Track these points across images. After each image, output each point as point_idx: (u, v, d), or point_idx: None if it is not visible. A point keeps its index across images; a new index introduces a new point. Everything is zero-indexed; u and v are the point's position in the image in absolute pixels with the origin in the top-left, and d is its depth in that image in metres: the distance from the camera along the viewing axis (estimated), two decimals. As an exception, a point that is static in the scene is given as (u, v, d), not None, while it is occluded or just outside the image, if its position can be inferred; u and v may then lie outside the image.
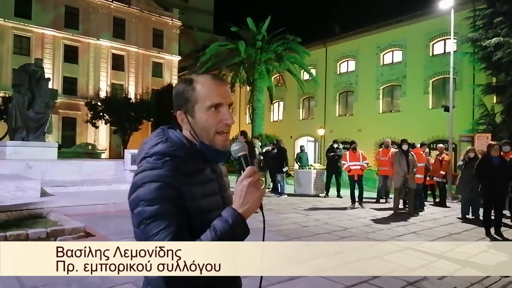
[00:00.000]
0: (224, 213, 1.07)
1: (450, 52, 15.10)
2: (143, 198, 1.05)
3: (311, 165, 14.54)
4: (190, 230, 1.06)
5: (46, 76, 12.28)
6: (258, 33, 21.99)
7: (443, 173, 10.85)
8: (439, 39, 22.11)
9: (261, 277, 1.25)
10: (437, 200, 11.18)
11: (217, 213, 1.09)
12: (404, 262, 4.88)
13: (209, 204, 1.14)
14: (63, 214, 6.23)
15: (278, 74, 24.89)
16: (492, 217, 6.83)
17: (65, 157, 15.15)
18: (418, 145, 10.69)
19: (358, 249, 5.44)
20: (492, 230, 6.69)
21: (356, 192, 9.94)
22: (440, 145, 12.36)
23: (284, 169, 11.82)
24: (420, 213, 9.19)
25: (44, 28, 32.38)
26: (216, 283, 1.14)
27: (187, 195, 1.09)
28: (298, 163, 14.20)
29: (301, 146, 15.35)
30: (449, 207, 10.46)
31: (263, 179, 11.09)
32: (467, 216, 8.72)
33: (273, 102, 25.64)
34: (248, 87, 24.59)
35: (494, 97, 16.98)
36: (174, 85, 1.34)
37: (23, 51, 31.80)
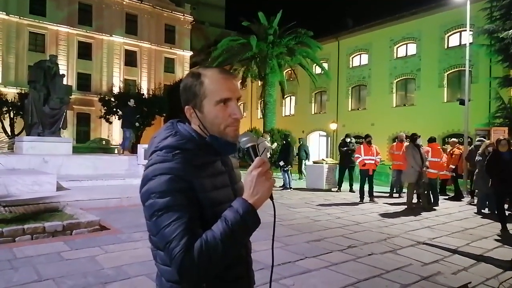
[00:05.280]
0: (235, 204, 1.07)
1: (466, 44, 14.80)
2: (154, 190, 1.06)
3: (323, 159, 14.43)
4: (202, 222, 1.07)
5: (61, 72, 12.43)
6: (269, 27, 21.88)
7: (453, 166, 10.80)
8: (454, 31, 21.67)
9: (272, 269, 1.25)
10: (452, 195, 11.04)
11: (229, 205, 1.09)
12: (418, 256, 4.84)
13: (221, 196, 1.14)
14: (78, 208, 6.34)
15: (290, 69, 24.77)
16: (509, 212, 6.71)
17: (79, 152, 15.38)
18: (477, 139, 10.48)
19: (371, 244, 5.42)
20: (509, 225, 6.58)
21: (366, 187, 9.85)
22: (453, 139, 12.20)
23: (280, 163, 11.84)
24: (434, 207, 9.09)
25: (58, 25, 32.83)
26: (229, 275, 1.15)
27: (198, 187, 1.09)
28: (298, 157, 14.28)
29: (299, 139, 15.35)
30: (462, 200, 10.33)
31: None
32: (482, 211, 8.58)
33: (285, 96, 25.55)
34: (259, 82, 24.54)
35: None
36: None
37: (38, 48, 32.34)
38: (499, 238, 6.14)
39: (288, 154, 11.99)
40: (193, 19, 41.10)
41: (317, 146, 30.75)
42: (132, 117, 12.93)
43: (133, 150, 12.44)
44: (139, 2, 36.74)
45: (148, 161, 1.15)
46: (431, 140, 9.96)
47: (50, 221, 5.28)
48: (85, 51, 34.57)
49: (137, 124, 12.30)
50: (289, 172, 12.01)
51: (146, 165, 1.14)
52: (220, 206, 1.10)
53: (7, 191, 7.15)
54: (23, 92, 24.71)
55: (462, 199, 10.60)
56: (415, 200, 9.20)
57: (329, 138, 29.03)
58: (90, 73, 34.87)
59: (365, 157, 9.84)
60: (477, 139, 10.64)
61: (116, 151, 11.33)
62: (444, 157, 10.66)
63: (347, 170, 11.86)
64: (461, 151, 11.52)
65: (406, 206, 8.87)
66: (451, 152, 11.03)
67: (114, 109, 29.20)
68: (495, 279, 4.12)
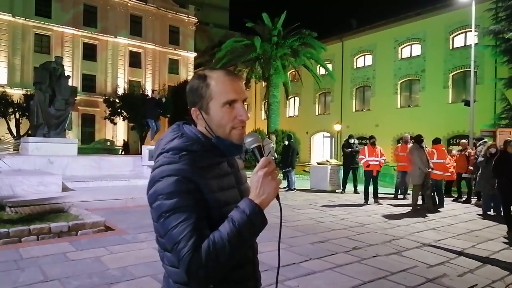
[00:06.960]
0: (241, 204, 1.07)
1: (471, 45, 14.76)
2: (162, 192, 1.06)
3: (327, 160, 14.39)
4: (209, 223, 1.07)
5: (66, 73, 12.50)
6: (273, 28, 21.89)
7: (472, 168, 10.31)
8: (459, 32, 21.58)
9: (278, 270, 1.25)
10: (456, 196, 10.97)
11: (235, 205, 1.09)
12: (423, 258, 4.81)
13: (227, 197, 1.15)
14: (83, 209, 6.37)
15: (294, 70, 24.76)
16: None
17: (84, 153, 15.46)
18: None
19: (375, 245, 5.40)
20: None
21: (371, 188, 9.83)
22: (464, 140, 12.03)
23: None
24: (440, 209, 9.04)
25: (63, 26, 33.03)
26: (236, 276, 1.16)
27: (205, 188, 1.09)
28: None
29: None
30: (472, 204, 10.23)
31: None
32: (488, 212, 8.52)
33: (289, 97, 25.54)
34: (263, 83, 24.54)
35: (517, 91, 16.48)
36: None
37: (43, 49, 32.54)
38: (505, 240, 6.09)
39: (291, 155, 11.97)
40: (197, 20, 41.20)
41: (321, 147, 30.71)
42: (155, 110, 12.95)
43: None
44: (144, 3, 36.89)
45: (155, 163, 1.16)
46: (436, 142, 9.88)
47: (55, 222, 5.31)
48: (90, 52, 34.76)
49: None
50: (293, 173, 11.99)
51: (153, 167, 1.15)
52: (227, 207, 1.10)
53: (13, 191, 7.20)
54: (28, 93, 24.88)
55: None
56: (420, 202, 9.15)
57: (333, 139, 28.99)
58: (95, 74, 35.04)
59: (369, 158, 9.85)
60: (480, 141, 10.37)
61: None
62: (448, 159, 10.59)
63: (351, 171, 11.82)
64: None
65: (411, 208, 8.83)
66: (468, 154, 10.75)
67: (119, 110, 29.34)
68: (501, 281, 4.09)
